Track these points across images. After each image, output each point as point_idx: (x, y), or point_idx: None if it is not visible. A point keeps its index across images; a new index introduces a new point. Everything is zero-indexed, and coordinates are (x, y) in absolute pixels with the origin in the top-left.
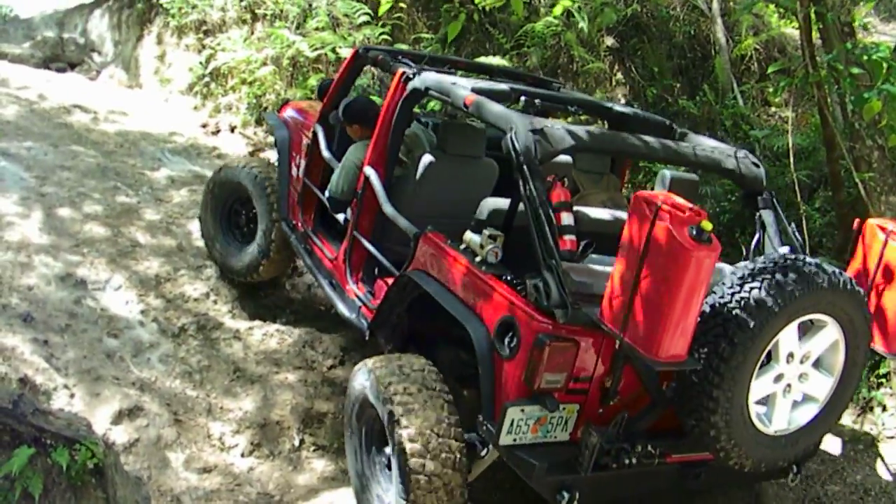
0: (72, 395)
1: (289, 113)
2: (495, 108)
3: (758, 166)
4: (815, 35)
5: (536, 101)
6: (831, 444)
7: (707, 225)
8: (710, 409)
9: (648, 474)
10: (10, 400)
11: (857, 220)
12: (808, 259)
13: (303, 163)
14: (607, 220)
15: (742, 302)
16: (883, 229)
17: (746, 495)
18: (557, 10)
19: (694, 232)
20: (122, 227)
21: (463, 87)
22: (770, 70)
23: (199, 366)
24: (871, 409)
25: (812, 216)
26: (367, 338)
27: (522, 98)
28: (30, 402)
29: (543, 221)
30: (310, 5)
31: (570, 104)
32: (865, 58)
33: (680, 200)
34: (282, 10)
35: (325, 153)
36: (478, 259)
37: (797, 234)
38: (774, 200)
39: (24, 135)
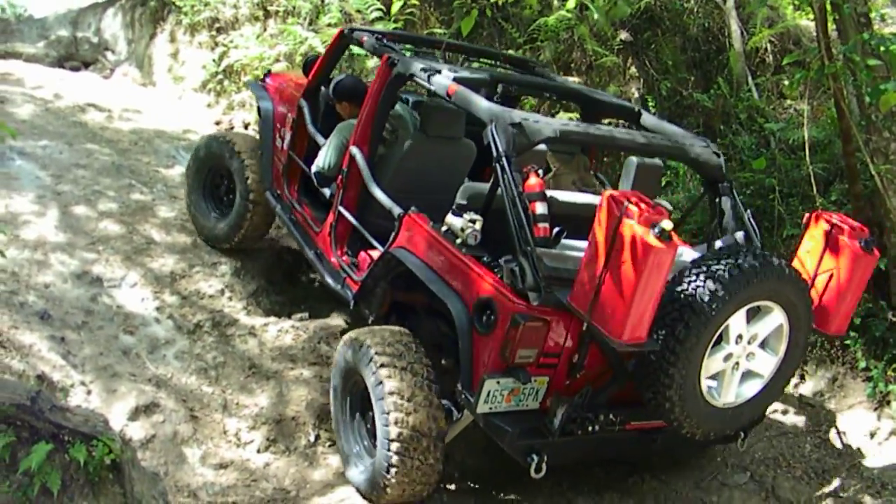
0: (88, 392)
1: (272, 83)
2: (477, 101)
3: (718, 156)
4: (831, 26)
5: (512, 87)
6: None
7: (668, 225)
8: (665, 385)
9: (610, 440)
10: (28, 396)
11: (805, 214)
12: (758, 250)
13: (288, 135)
14: (577, 204)
15: (697, 290)
16: (828, 221)
17: (761, 489)
18: (570, 4)
19: (656, 230)
20: (137, 224)
21: (446, 75)
22: (785, 62)
23: (215, 362)
24: (889, 402)
25: (828, 209)
26: (351, 307)
27: (500, 85)
28: (47, 399)
29: (520, 210)
30: (322, 1)
31: (544, 90)
32: (882, 49)
33: (645, 201)
34: (294, 7)
35: (311, 128)
36: (458, 241)
37: (752, 221)
38: (733, 188)
39: (39, 134)
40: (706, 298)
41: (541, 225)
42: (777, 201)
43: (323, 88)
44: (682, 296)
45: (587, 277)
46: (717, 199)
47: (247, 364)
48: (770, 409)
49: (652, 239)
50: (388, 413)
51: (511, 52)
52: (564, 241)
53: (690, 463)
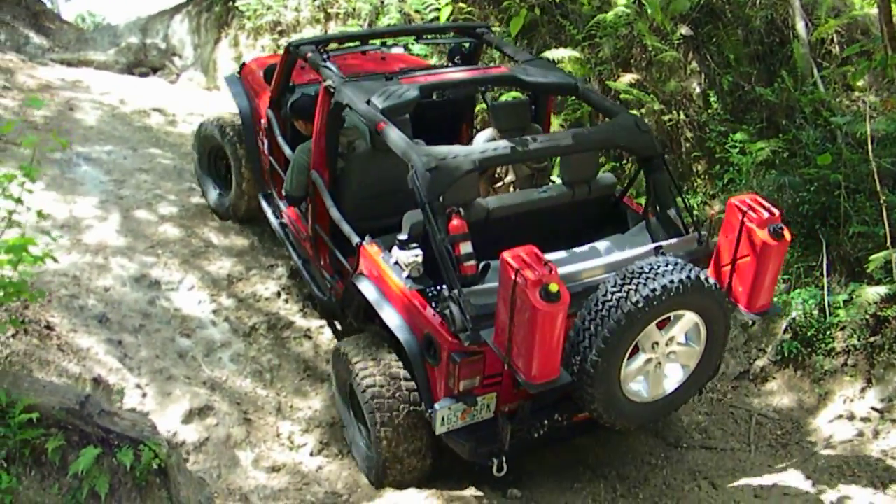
0: (144, 395)
1: (252, 75)
2: (400, 144)
3: (647, 132)
4: None
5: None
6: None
7: (553, 287)
8: (588, 400)
9: (562, 429)
10: (77, 401)
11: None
12: (663, 265)
13: (265, 140)
14: (517, 204)
15: (603, 320)
16: (739, 210)
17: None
18: None
19: (543, 294)
20: (196, 227)
21: (375, 106)
22: (847, 53)
23: (270, 365)
24: None
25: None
26: (340, 313)
27: (434, 94)
28: (96, 403)
29: (444, 254)
30: (381, 2)
31: (479, 83)
32: None
33: (536, 264)
34: (354, 9)
35: (280, 141)
36: (404, 275)
37: (683, 198)
38: (665, 164)
39: (105, 139)
40: (611, 327)
41: (466, 264)
42: (843, 197)
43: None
44: (591, 326)
45: (500, 325)
46: (650, 176)
47: (301, 367)
48: (835, 414)
49: (539, 301)
50: (371, 410)
51: (570, 49)
52: (496, 264)
53: (750, 471)
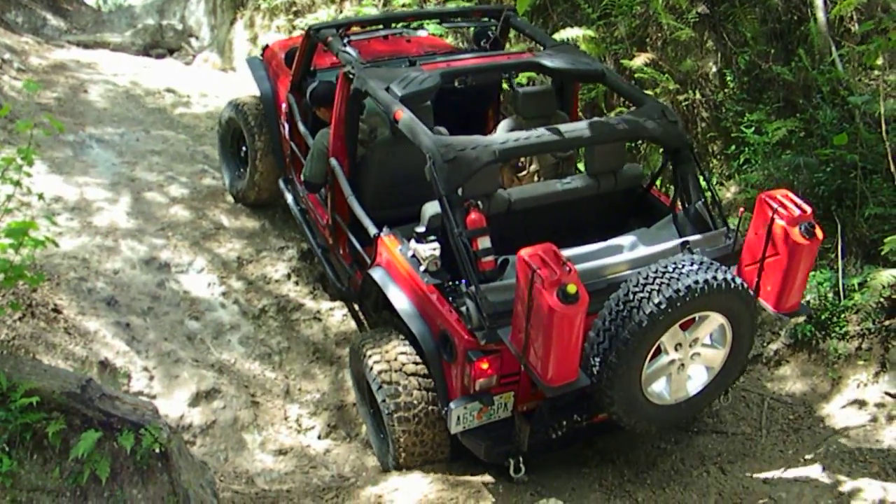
0: (151, 378)
1: (275, 58)
2: (419, 134)
3: (675, 124)
4: None
5: (467, 78)
6: None
7: (572, 288)
8: (607, 402)
9: (581, 430)
10: (78, 385)
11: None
12: (688, 265)
13: (286, 125)
14: (540, 195)
15: (624, 321)
16: (769, 206)
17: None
18: None
19: (560, 295)
20: (207, 209)
21: (394, 93)
22: (861, 29)
23: (279, 347)
24: None
25: None
26: (357, 305)
27: (456, 81)
28: (97, 387)
29: (462, 249)
30: None
31: (502, 69)
32: None
33: (556, 259)
34: None
35: (300, 127)
36: (422, 269)
37: (713, 191)
38: (694, 156)
39: (118, 121)
40: (632, 329)
41: (484, 259)
42: (859, 179)
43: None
44: (612, 327)
45: (518, 324)
46: (678, 168)
47: (310, 349)
48: (848, 399)
49: (556, 302)
50: (387, 408)
51: (584, 28)
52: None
53: (760, 456)
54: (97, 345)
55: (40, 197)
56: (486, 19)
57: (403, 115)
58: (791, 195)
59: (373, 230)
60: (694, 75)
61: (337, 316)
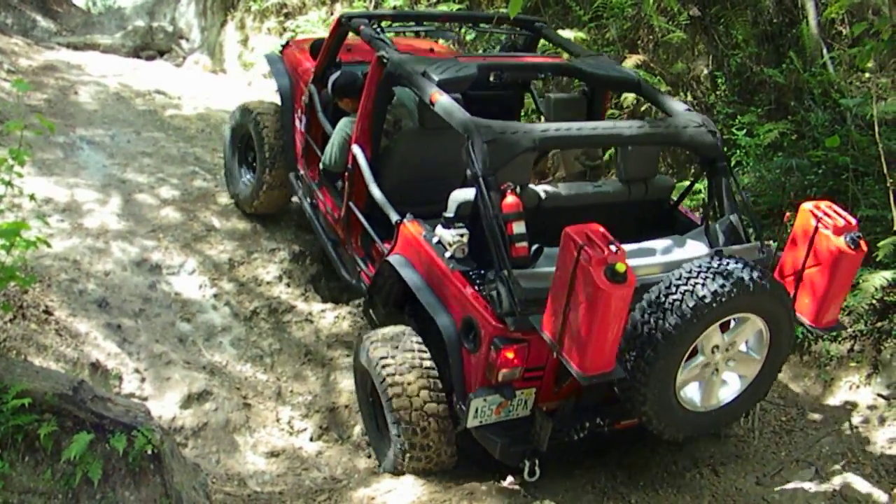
0: (142, 380)
1: (293, 56)
2: (456, 114)
3: (714, 134)
4: None
5: (503, 74)
6: None
7: (621, 267)
8: (640, 402)
9: (601, 435)
10: (70, 386)
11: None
12: (732, 263)
13: (304, 118)
14: (571, 195)
15: (665, 315)
16: (814, 216)
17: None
18: None
19: (608, 273)
20: (198, 211)
21: (431, 78)
22: (854, 31)
23: (271, 349)
24: None
25: None
26: (367, 299)
27: (492, 75)
28: (89, 389)
29: (496, 232)
30: None
31: (538, 70)
32: None
33: (603, 237)
34: None
35: (321, 117)
36: (447, 255)
37: (746, 201)
38: (730, 168)
39: (108, 122)
40: (674, 323)
41: (518, 245)
42: (851, 181)
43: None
44: (652, 320)
45: (554, 309)
46: (713, 179)
47: (302, 351)
48: (840, 401)
49: (604, 281)
50: (392, 404)
51: (576, 31)
52: (548, 251)
53: (752, 457)
54: (88, 346)
55: (32, 198)
56: (517, 28)
57: (440, 97)
58: (834, 206)
59: (394, 216)
60: (685, 77)
61: (328, 318)
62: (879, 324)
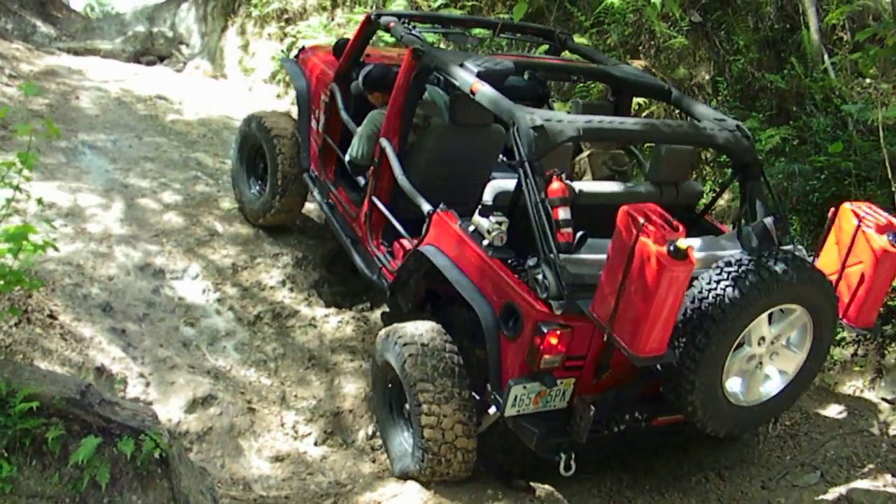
0: (147, 384)
1: (308, 60)
2: (499, 102)
3: (748, 139)
4: None
5: (538, 73)
6: None
7: (683, 243)
8: (687, 391)
9: (637, 433)
10: (78, 390)
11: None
12: (781, 251)
13: (322, 117)
14: (605, 193)
15: (717, 300)
16: (856, 214)
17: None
18: None
19: (671, 248)
20: (201, 216)
21: (469, 69)
22: (858, 37)
23: (274, 354)
24: None
25: None
26: (388, 297)
27: (526, 72)
28: (96, 393)
29: (542, 217)
30: None
31: (570, 72)
32: None
33: (662, 216)
34: None
35: (343, 114)
36: (485, 243)
37: (780, 206)
38: (763, 172)
39: (110, 127)
40: (726, 308)
41: (564, 230)
42: (854, 186)
43: (354, 75)
44: (702, 305)
45: (607, 290)
46: (747, 184)
47: (306, 356)
48: (845, 405)
49: (666, 257)
50: (419, 405)
51: (577, 36)
52: (590, 241)
53: (758, 461)
54: (93, 351)
55: (39, 202)
56: (540, 38)
57: (481, 87)
58: (874, 206)
59: (426, 207)
60: (687, 83)
61: (332, 322)
62: (883, 328)
